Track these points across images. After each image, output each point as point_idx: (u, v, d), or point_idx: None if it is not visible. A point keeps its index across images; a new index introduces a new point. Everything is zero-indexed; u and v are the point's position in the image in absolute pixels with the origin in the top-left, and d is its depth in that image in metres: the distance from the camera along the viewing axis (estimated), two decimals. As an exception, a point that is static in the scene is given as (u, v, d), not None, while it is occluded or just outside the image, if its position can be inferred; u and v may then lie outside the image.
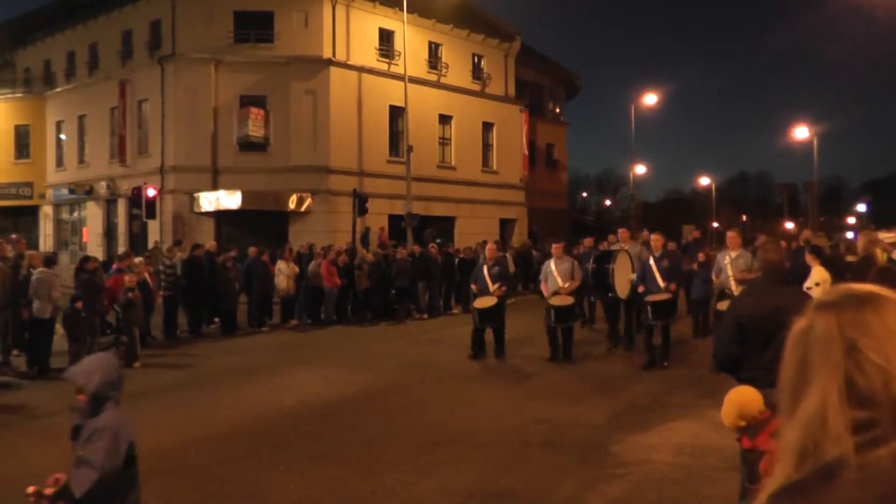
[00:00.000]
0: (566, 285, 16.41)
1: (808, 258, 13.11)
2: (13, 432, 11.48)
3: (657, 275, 15.71)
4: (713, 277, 15.72)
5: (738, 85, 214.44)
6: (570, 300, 16.45)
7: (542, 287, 17.02)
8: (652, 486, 8.30)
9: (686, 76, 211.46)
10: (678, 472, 8.77)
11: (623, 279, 17.16)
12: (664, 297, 15.52)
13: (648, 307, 15.52)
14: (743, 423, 5.45)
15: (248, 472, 9.10)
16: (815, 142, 59.25)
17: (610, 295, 17.58)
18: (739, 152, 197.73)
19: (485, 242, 23.82)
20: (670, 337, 15.91)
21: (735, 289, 13.99)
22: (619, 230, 20.72)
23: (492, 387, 13.77)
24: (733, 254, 14.92)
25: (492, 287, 16.98)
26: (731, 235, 15.61)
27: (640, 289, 16.18)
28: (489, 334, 17.23)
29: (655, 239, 16.58)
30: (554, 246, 17.62)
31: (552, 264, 16.92)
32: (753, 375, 6.77)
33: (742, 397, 5.54)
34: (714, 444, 9.68)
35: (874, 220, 68.97)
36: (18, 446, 10.60)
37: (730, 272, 14.62)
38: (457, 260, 28.25)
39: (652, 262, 15.97)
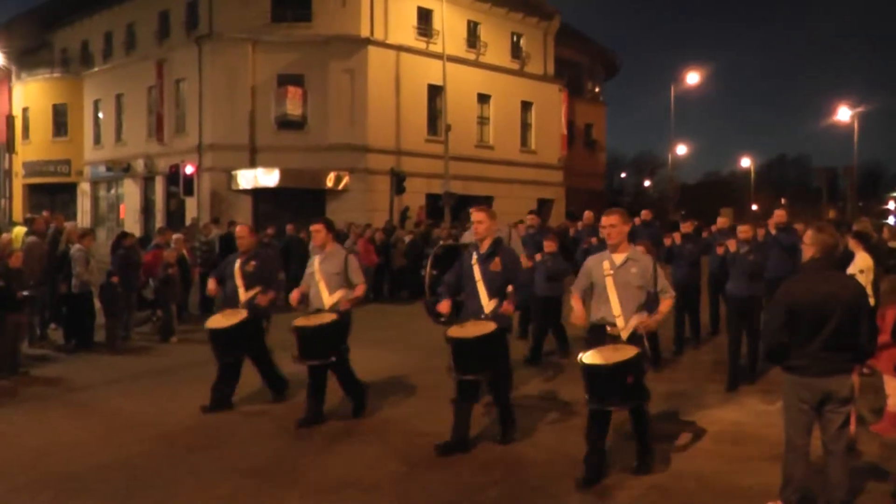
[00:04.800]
0: (334, 296, 10.27)
1: (852, 244, 12.71)
2: (50, 404, 11.54)
3: (481, 287, 9.08)
4: (574, 302, 8.52)
5: (781, 65, 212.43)
6: (326, 318, 10.01)
7: (293, 297, 10.46)
8: (691, 475, 8.12)
9: (727, 56, 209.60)
10: (718, 460, 8.59)
11: None
12: (482, 329, 8.76)
13: (450, 347, 8.75)
14: None
15: (285, 450, 9.03)
16: (856, 124, 58.55)
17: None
18: (780, 134, 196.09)
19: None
20: (510, 406, 9.43)
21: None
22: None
23: (529, 370, 13.55)
24: (617, 258, 8.25)
25: (244, 294, 11.11)
26: (612, 221, 8.33)
27: (443, 308, 9.32)
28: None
29: (479, 220, 9.30)
30: (313, 229, 10.76)
31: (316, 262, 10.58)
32: (802, 364, 6.61)
33: None
34: (755, 433, 9.51)
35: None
36: (55, 418, 10.61)
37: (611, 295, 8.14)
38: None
39: (475, 263, 9.23)
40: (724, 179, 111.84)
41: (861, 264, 12.07)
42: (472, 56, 43.14)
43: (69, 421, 10.40)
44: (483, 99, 44.02)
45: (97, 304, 16.32)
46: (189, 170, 34.20)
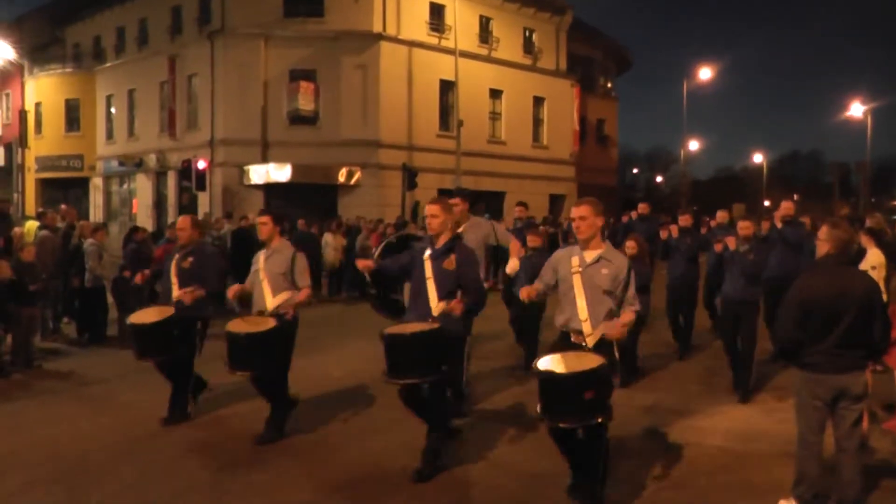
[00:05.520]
0: (277, 299, 9.44)
1: (864, 240, 12.61)
2: (63, 398, 11.63)
3: (431, 286, 8.12)
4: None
5: (794, 61, 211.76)
6: (263, 325, 9.14)
7: (231, 292, 9.66)
8: (702, 471, 8.12)
9: (740, 52, 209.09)
10: (728, 457, 8.58)
11: None
12: (418, 327, 7.73)
13: (384, 345, 7.78)
14: None
15: (298, 444, 9.05)
16: (870, 120, 58.36)
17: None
18: (793, 130, 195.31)
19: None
20: (448, 426, 8.55)
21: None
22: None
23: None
24: (588, 255, 7.25)
25: (177, 292, 10.02)
26: (581, 212, 7.23)
27: (363, 264, 8.70)
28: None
29: (433, 214, 8.23)
30: (259, 221, 10.09)
31: (261, 259, 9.78)
32: (815, 361, 6.59)
33: None
34: (765, 430, 9.49)
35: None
36: (68, 412, 10.65)
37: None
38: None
39: (427, 259, 8.23)
40: (737, 175, 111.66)
41: (873, 261, 11.99)
42: (484, 51, 43.06)
43: (82, 414, 10.44)
44: (495, 94, 43.93)
45: (110, 298, 16.39)
46: (201, 165, 34.26)
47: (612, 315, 7.07)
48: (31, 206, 44.95)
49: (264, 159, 37.43)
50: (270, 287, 9.42)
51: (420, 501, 7.50)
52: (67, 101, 49.62)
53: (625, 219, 21.40)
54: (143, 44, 45.40)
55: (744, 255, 11.30)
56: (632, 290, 7.15)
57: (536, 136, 46.77)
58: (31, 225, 18.48)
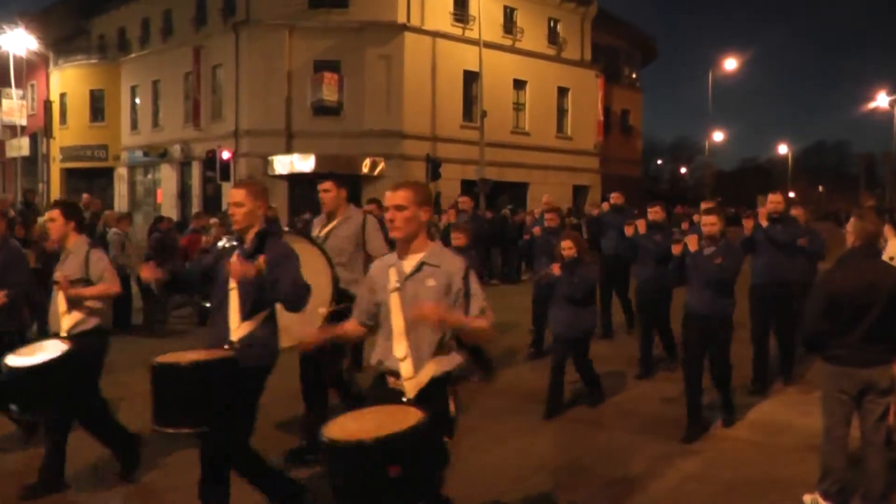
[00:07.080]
0: (75, 315, 7.20)
1: (888, 230, 12.42)
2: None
3: (233, 298, 6.04)
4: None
5: (819, 51, 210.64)
6: (52, 350, 6.86)
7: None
8: (726, 465, 8.06)
9: (766, 42, 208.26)
10: (753, 450, 8.52)
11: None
12: (206, 356, 5.81)
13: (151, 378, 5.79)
14: None
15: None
16: None
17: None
18: (818, 121, 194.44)
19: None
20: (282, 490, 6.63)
21: None
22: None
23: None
24: (407, 263, 5.05)
25: None
26: (396, 200, 4.93)
27: (146, 273, 6.31)
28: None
29: (236, 202, 6.32)
30: (46, 216, 8.09)
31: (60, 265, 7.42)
32: (842, 354, 6.51)
33: None
34: (790, 423, 9.40)
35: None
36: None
37: None
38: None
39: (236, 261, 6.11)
40: (762, 166, 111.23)
41: (894, 251, 11.83)
42: (508, 42, 43.02)
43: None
44: (519, 85, 43.93)
45: (134, 287, 16.42)
46: (225, 155, 34.32)
47: (446, 348, 4.99)
48: (56, 196, 45.20)
49: (288, 150, 37.63)
50: (66, 300, 7.17)
51: None
52: (92, 92, 50.08)
53: (595, 212, 18.54)
54: (167, 35, 45.71)
55: (708, 258, 8.90)
56: (479, 301, 5.03)
57: (560, 127, 46.71)
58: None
